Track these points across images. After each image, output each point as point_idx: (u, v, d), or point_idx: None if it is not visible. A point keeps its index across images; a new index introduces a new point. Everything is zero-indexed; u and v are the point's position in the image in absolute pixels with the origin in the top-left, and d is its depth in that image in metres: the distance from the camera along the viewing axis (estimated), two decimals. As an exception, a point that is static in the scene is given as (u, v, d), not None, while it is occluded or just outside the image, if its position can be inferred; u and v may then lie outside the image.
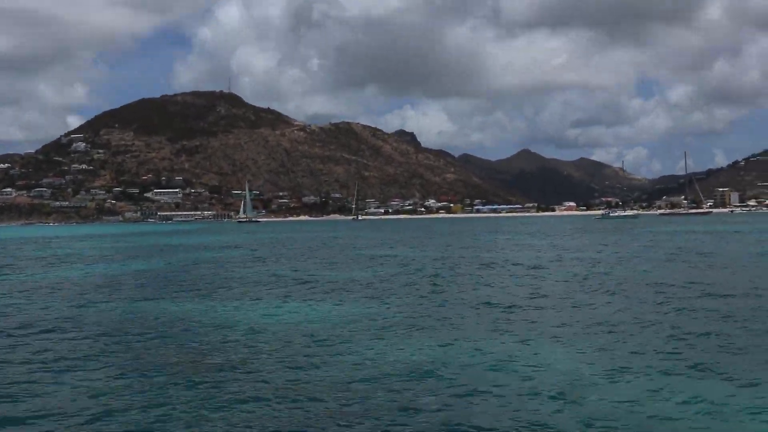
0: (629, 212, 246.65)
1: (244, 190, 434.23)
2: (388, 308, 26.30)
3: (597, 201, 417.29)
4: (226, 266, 50.83)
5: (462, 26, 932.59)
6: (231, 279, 40.03)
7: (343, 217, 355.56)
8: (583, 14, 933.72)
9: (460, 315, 24.28)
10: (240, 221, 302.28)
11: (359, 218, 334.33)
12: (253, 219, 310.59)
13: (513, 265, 45.77)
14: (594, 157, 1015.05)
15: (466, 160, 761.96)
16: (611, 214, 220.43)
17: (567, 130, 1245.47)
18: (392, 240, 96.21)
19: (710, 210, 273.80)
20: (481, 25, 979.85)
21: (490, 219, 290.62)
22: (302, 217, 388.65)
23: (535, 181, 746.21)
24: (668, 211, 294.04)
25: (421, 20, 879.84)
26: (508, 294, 29.85)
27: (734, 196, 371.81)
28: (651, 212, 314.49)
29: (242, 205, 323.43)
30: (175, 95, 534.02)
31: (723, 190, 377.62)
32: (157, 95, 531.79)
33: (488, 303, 27.03)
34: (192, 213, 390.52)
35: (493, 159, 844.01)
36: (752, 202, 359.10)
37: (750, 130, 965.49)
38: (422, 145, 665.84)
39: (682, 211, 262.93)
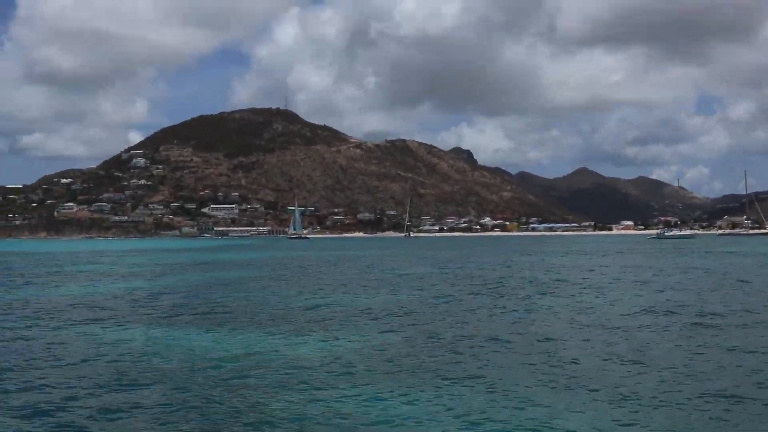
0: (686, 231, 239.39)
1: (301, 207, 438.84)
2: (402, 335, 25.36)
3: (655, 220, 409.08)
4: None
5: (518, 43, 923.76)
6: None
7: (396, 234, 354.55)
8: (640, 31, 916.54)
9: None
10: (290, 237, 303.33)
11: (411, 235, 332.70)
12: (303, 236, 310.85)
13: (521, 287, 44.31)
14: (653, 176, 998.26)
15: (523, 177, 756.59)
16: (667, 233, 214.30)
17: (625, 147, 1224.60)
18: (428, 257, 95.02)
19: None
20: (537, 42, 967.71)
21: (543, 237, 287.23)
22: (357, 234, 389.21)
23: (592, 199, 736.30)
24: (728, 231, 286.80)
25: (477, 37, 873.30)
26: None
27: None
28: (710, 232, 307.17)
29: (292, 222, 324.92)
30: (233, 112, 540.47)
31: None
32: (215, 112, 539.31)
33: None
34: (248, 228, 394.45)
35: (551, 177, 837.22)
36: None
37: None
38: (479, 162, 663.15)
39: (742, 231, 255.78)
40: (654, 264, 70.86)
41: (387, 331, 25.69)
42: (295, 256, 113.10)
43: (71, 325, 28.60)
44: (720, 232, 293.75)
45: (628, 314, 29.45)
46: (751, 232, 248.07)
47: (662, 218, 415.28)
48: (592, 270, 61.43)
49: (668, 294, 38.14)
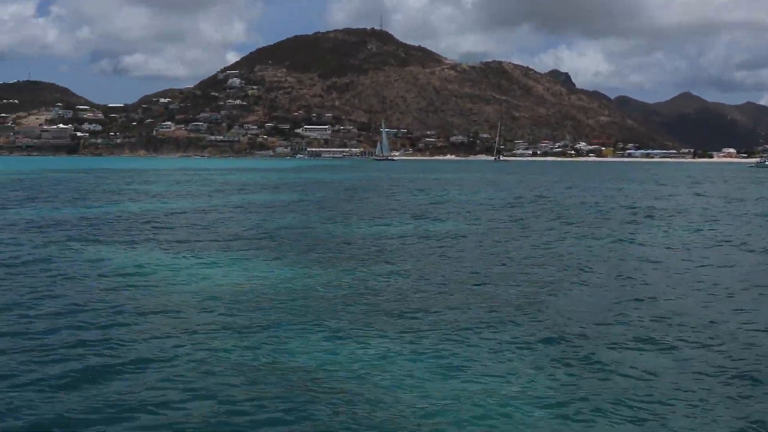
0: None
1: (393, 129, 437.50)
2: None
3: (760, 148, 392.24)
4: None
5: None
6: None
7: (487, 158, 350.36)
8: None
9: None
10: (377, 159, 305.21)
11: (500, 159, 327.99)
12: (389, 157, 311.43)
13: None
14: (762, 102, 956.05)
15: (623, 102, 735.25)
16: (767, 162, 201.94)
17: (732, 72, 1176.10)
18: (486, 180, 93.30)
19: None
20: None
21: (638, 164, 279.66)
22: (449, 156, 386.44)
23: (695, 125, 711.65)
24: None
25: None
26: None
27: None
28: None
29: (379, 143, 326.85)
30: (328, 32, 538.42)
31: None
32: (310, 32, 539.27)
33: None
34: (340, 149, 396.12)
35: (651, 102, 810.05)
36: None
37: None
38: (577, 86, 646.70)
39: None
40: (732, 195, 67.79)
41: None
42: (373, 177, 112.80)
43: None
44: None
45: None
46: None
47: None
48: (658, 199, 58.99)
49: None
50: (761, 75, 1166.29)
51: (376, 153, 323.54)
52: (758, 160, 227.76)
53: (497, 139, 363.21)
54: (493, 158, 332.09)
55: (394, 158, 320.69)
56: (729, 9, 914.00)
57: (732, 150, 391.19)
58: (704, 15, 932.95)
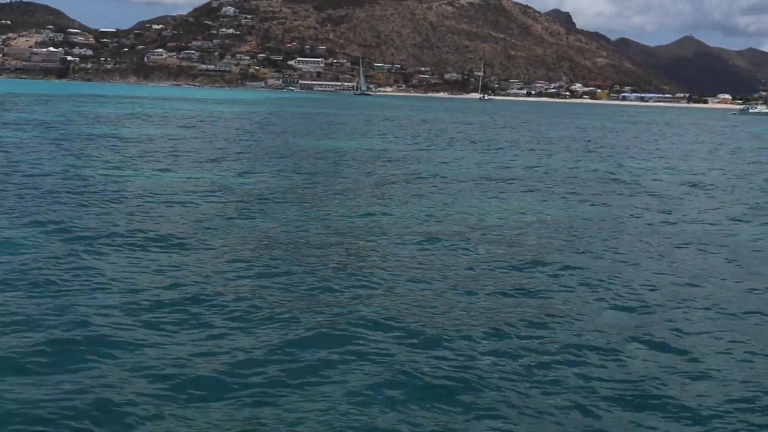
0: None
1: (387, 64, 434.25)
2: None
3: (756, 94, 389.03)
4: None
5: None
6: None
7: (475, 96, 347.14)
8: None
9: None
10: (356, 94, 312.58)
11: (485, 98, 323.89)
12: (366, 92, 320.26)
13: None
14: (765, 48, 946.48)
15: (623, 44, 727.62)
16: (751, 110, 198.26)
17: (737, 16, 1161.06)
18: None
19: None
20: None
21: (627, 107, 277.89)
22: (441, 94, 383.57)
23: (695, 70, 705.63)
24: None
25: None
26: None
27: None
28: None
29: (357, 79, 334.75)
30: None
31: None
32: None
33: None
34: (333, 83, 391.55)
35: (653, 45, 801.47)
36: None
37: None
38: (578, 26, 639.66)
39: None
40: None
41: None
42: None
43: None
44: None
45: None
46: None
47: (764, 93, 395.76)
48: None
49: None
50: (765, 21, 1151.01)
51: (355, 88, 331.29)
52: (741, 107, 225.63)
53: (481, 77, 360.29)
54: (478, 97, 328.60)
55: (370, 93, 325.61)
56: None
57: (727, 96, 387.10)
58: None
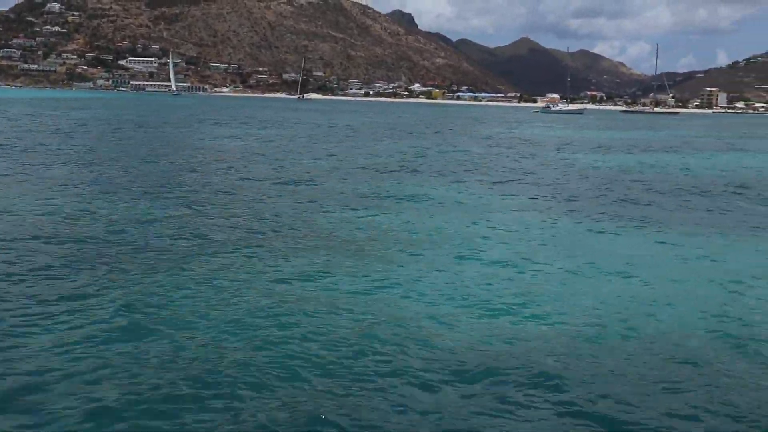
0: (574, 107, 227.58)
1: (224, 64, 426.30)
2: None
3: (582, 94, 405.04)
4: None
5: None
6: None
7: (289, 96, 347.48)
8: None
9: None
10: (172, 93, 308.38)
11: (303, 98, 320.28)
12: (177, 92, 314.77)
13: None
14: (596, 50, 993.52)
15: (464, 44, 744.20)
16: (552, 108, 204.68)
17: (568, 19, 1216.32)
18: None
19: (677, 111, 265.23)
20: None
21: (459, 107, 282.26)
22: (278, 94, 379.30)
23: (531, 70, 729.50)
24: (630, 108, 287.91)
25: None
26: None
27: (722, 97, 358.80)
28: (613, 108, 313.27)
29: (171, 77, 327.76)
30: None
31: (710, 90, 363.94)
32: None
33: None
34: (165, 83, 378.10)
35: (492, 46, 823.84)
36: (740, 104, 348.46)
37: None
38: (420, 27, 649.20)
39: (646, 109, 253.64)
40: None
41: None
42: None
43: None
44: (622, 109, 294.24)
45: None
46: (656, 110, 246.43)
47: (588, 93, 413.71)
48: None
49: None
50: (594, 24, 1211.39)
51: (170, 87, 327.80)
52: (543, 106, 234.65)
53: (300, 77, 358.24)
54: (296, 97, 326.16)
55: (180, 93, 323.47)
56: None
57: (555, 95, 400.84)
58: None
